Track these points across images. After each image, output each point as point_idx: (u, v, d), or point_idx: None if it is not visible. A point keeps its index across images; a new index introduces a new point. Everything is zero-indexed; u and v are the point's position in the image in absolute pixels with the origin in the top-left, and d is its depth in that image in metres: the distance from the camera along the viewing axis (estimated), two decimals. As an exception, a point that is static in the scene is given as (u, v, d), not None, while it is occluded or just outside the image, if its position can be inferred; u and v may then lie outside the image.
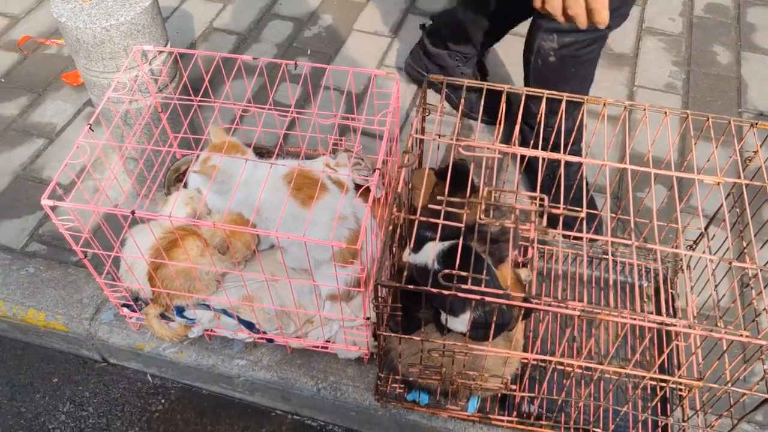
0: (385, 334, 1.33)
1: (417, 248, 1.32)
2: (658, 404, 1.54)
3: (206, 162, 1.58)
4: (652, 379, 1.53)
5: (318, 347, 1.64)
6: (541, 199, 1.17)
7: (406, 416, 1.60)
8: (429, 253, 1.30)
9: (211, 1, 2.73)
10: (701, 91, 2.36)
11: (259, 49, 2.52)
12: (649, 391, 1.58)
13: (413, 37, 2.56)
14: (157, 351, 1.71)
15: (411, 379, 1.45)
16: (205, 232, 1.55)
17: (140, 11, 1.63)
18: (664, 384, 1.49)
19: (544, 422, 1.50)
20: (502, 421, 1.52)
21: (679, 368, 1.52)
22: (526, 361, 1.47)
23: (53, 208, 1.32)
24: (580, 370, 1.50)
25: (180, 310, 1.60)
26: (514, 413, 1.52)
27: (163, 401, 1.78)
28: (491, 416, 1.53)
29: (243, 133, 2.15)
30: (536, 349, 1.60)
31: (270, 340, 1.65)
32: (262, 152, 1.82)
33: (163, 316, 1.64)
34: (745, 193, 1.28)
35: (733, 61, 2.48)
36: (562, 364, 1.52)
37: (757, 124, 1.33)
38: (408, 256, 1.33)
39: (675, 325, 1.09)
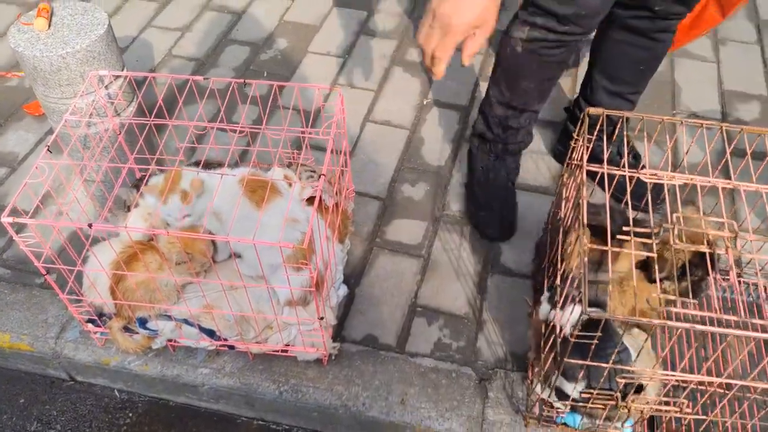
0: (572, 361, 1.31)
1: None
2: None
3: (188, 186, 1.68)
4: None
5: (278, 351, 1.70)
6: (731, 224, 1.16)
7: (366, 413, 1.66)
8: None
9: (169, 30, 2.82)
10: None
11: (217, 73, 2.61)
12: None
13: (365, 57, 2.68)
14: (122, 365, 1.76)
15: (580, 404, 1.43)
16: (163, 246, 1.61)
17: (95, 39, 1.71)
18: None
19: None
20: None
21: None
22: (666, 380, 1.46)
23: (17, 230, 1.37)
24: (721, 390, 1.49)
25: (142, 322, 1.65)
26: None
27: (130, 415, 1.82)
28: None
29: (201, 152, 2.23)
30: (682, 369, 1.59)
31: (231, 347, 1.71)
32: (213, 166, 1.90)
33: (126, 329, 1.69)
34: None
35: (668, 68, 2.63)
36: (710, 384, 1.49)
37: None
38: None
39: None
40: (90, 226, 1.34)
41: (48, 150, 1.48)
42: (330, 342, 1.70)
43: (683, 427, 1.54)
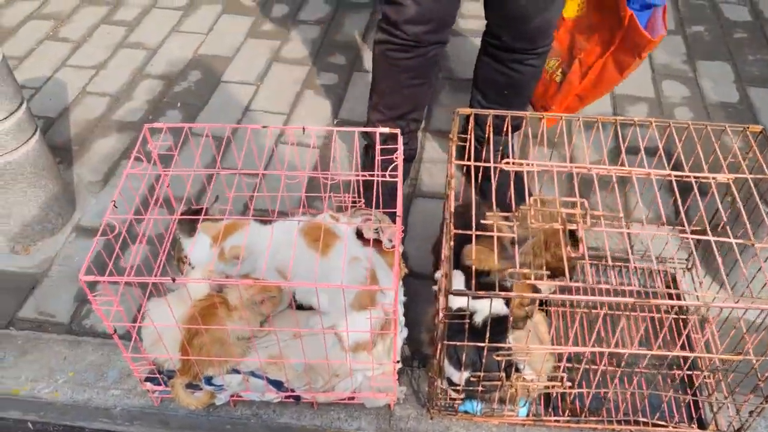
0: (450, 343, 1.38)
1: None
2: (689, 392, 1.65)
3: (227, 251, 1.65)
4: (680, 368, 1.65)
5: (344, 399, 1.67)
6: (582, 203, 1.27)
7: (278, 420, 1.70)
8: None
9: (84, 68, 2.87)
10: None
11: (131, 107, 2.65)
12: (678, 381, 1.68)
13: (277, 83, 2.77)
14: (32, 393, 1.75)
15: (471, 388, 1.50)
16: (233, 297, 1.59)
17: (-12, 73, 1.75)
18: (690, 372, 1.61)
19: (592, 417, 1.57)
20: (558, 421, 1.58)
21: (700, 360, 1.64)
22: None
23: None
24: (613, 367, 1.57)
25: (208, 379, 1.62)
26: (567, 412, 1.59)
27: (44, 446, 1.81)
28: (544, 418, 1.60)
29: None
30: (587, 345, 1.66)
31: (297, 398, 1.67)
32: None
33: (188, 385, 1.65)
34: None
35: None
36: (596, 362, 1.59)
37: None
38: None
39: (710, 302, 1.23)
40: (174, 280, 1.34)
41: (114, 205, 1.43)
42: (398, 386, 1.67)
43: (573, 403, 1.62)
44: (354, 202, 1.93)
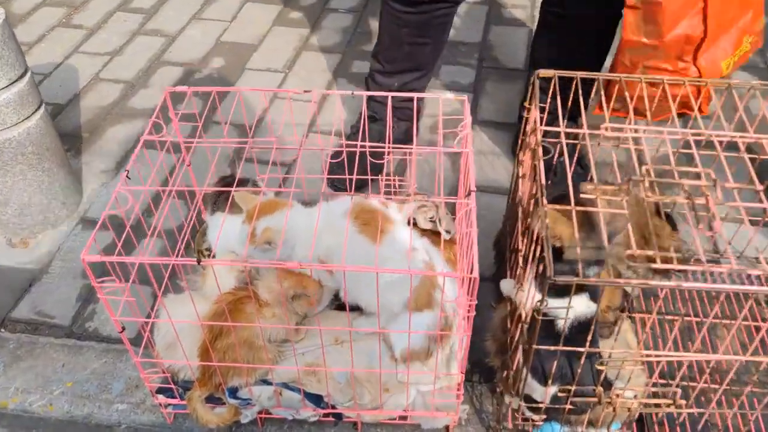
0: (539, 347, 1.09)
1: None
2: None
3: (258, 233, 1.33)
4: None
5: (395, 418, 1.39)
6: (707, 173, 1.01)
7: (313, 443, 1.42)
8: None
9: (98, 55, 2.65)
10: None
11: (147, 94, 2.43)
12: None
13: (306, 71, 2.54)
14: (22, 407, 1.49)
15: (558, 406, 1.22)
16: (271, 283, 1.33)
17: (-14, 33, 1.52)
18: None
19: None
20: None
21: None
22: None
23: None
24: (716, 385, 1.33)
25: (233, 391, 1.35)
26: None
27: (35, 470, 1.54)
28: None
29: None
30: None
31: (338, 416, 1.40)
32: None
33: (208, 398, 1.38)
34: None
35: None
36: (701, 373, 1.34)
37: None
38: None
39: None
40: (199, 262, 1.09)
41: (127, 176, 1.21)
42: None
43: (672, 426, 1.34)
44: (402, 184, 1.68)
